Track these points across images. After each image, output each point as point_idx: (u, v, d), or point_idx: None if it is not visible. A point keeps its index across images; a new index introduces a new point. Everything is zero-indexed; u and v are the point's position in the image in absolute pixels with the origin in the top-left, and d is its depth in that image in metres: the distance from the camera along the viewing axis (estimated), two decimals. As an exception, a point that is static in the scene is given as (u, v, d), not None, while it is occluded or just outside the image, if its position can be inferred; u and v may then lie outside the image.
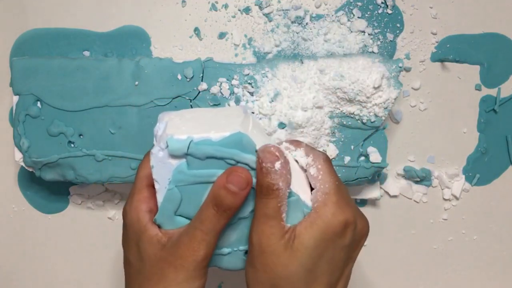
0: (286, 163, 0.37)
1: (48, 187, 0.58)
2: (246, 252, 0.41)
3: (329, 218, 0.37)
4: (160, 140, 0.38)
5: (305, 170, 0.40)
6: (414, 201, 0.58)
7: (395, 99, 0.50)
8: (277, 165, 0.37)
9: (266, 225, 0.37)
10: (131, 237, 0.40)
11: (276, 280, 0.37)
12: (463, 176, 0.57)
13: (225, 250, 0.41)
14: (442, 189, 0.58)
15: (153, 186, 0.40)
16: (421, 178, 0.57)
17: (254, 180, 0.38)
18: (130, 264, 0.41)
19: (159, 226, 0.40)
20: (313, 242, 0.37)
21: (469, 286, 0.59)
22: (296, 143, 0.41)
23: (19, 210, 0.58)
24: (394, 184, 0.57)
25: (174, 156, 0.38)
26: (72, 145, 0.51)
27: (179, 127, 0.39)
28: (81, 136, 0.51)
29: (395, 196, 0.58)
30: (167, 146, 0.38)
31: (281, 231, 0.37)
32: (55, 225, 0.58)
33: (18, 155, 0.52)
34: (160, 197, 0.39)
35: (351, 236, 0.38)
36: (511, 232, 0.58)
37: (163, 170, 0.39)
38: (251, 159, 0.38)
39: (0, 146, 0.58)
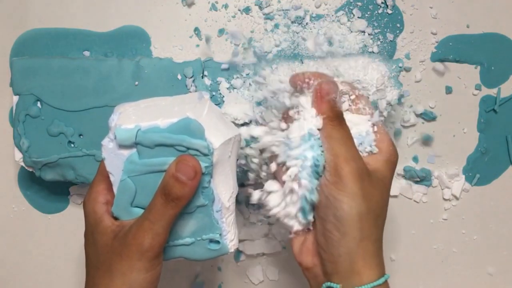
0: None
1: (48, 187, 0.58)
2: (210, 241, 0.40)
3: (395, 155, 0.41)
4: (111, 131, 0.38)
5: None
6: (414, 201, 0.58)
7: (395, 99, 0.50)
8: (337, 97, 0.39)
9: (351, 146, 0.38)
10: (88, 229, 0.40)
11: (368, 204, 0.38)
12: (463, 176, 0.57)
13: (188, 240, 0.40)
14: (442, 189, 0.58)
15: None
16: (421, 178, 0.57)
17: (204, 165, 0.37)
18: (87, 255, 0.41)
19: (116, 218, 0.39)
20: (390, 176, 0.40)
21: (469, 286, 0.59)
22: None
23: (19, 210, 0.58)
24: (394, 184, 0.57)
25: (124, 146, 0.37)
26: (72, 145, 0.51)
27: (130, 117, 0.38)
28: (81, 136, 0.51)
29: (395, 196, 0.58)
30: (116, 137, 0.37)
31: (360, 155, 0.39)
32: (55, 225, 0.58)
33: (18, 155, 0.52)
34: (116, 189, 0.39)
35: None
36: (511, 232, 0.58)
37: (116, 161, 0.38)
38: (200, 144, 0.37)
39: (0, 146, 0.58)
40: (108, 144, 0.38)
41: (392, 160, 0.41)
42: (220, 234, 0.40)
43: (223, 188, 0.40)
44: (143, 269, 0.37)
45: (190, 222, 0.40)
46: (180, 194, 0.37)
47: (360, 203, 0.37)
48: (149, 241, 0.37)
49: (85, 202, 0.41)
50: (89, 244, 0.40)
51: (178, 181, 0.36)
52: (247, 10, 0.55)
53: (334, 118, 0.38)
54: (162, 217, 0.37)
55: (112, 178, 0.39)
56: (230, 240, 0.41)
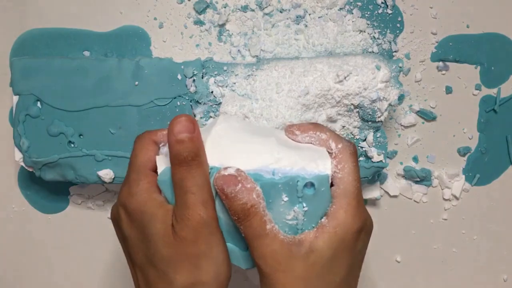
0: (245, 178, 0.35)
1: (48, 187, 0.58)
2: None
3: (349, 226, 0.35)
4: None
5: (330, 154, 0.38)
6: (414, 201, 0.58)
7: (395, 99, 0.50)
8: (239, 186, 0.35)
9: (263, 245, 0.35)
10: (139, 221, 0.37)
11: None
12: (463, 176, 0.57)
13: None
14: (442, 189, 0.58)
15: (154, 171, 0.39)
16: (421, 178, 0.57)
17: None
18: (135, 250, 0.38)
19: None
20: (331, 253, 0.34)
21: (469, 286, 0.59)
22: (320, 128, 0.40)
23: (19, 210, 0.58)
24: (394, 184, 0.57)
25: None
26: (72, 145, 0.51)
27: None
28: (81, 136, 0.51)
29: (395, 196, 0.58)
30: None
31: (282, 245, 0.35)
32: (55, 225, 0.58)
33: (18, 155, 0.52)
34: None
35: (365, 238, 0.37)
36: (511, 232, 0.58)
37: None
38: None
39: (0, 146, 0.58)
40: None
41: (339, 234, 0.34)
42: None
43: None
44: (220, 243, 0.36)
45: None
46: (192, 150, 0.35)
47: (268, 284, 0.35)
48: (203, 210, 0.35)
49: (133, 193, 0.37)
50: (141, 237, 0.37)
51: (182, 141, 0.35)
52: (247, 9, 0.55)
53: (245, 217, 0.35)
54: (196, 182, 0.35)
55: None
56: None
